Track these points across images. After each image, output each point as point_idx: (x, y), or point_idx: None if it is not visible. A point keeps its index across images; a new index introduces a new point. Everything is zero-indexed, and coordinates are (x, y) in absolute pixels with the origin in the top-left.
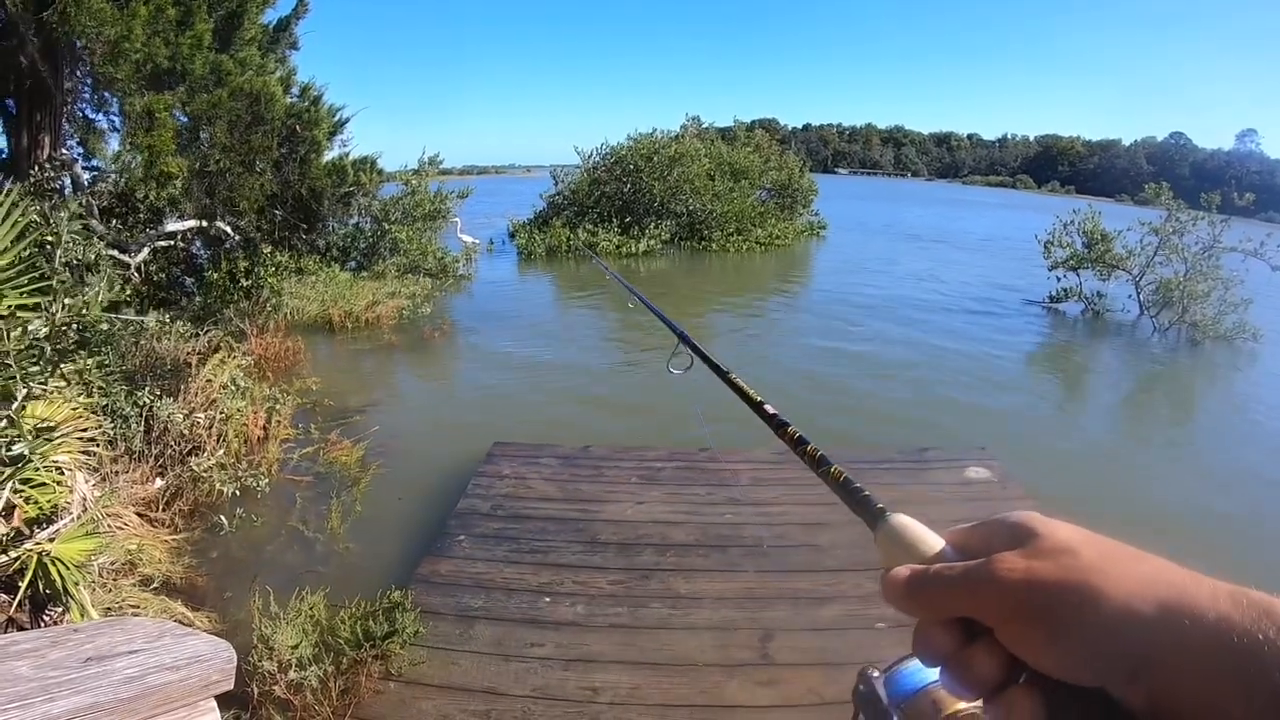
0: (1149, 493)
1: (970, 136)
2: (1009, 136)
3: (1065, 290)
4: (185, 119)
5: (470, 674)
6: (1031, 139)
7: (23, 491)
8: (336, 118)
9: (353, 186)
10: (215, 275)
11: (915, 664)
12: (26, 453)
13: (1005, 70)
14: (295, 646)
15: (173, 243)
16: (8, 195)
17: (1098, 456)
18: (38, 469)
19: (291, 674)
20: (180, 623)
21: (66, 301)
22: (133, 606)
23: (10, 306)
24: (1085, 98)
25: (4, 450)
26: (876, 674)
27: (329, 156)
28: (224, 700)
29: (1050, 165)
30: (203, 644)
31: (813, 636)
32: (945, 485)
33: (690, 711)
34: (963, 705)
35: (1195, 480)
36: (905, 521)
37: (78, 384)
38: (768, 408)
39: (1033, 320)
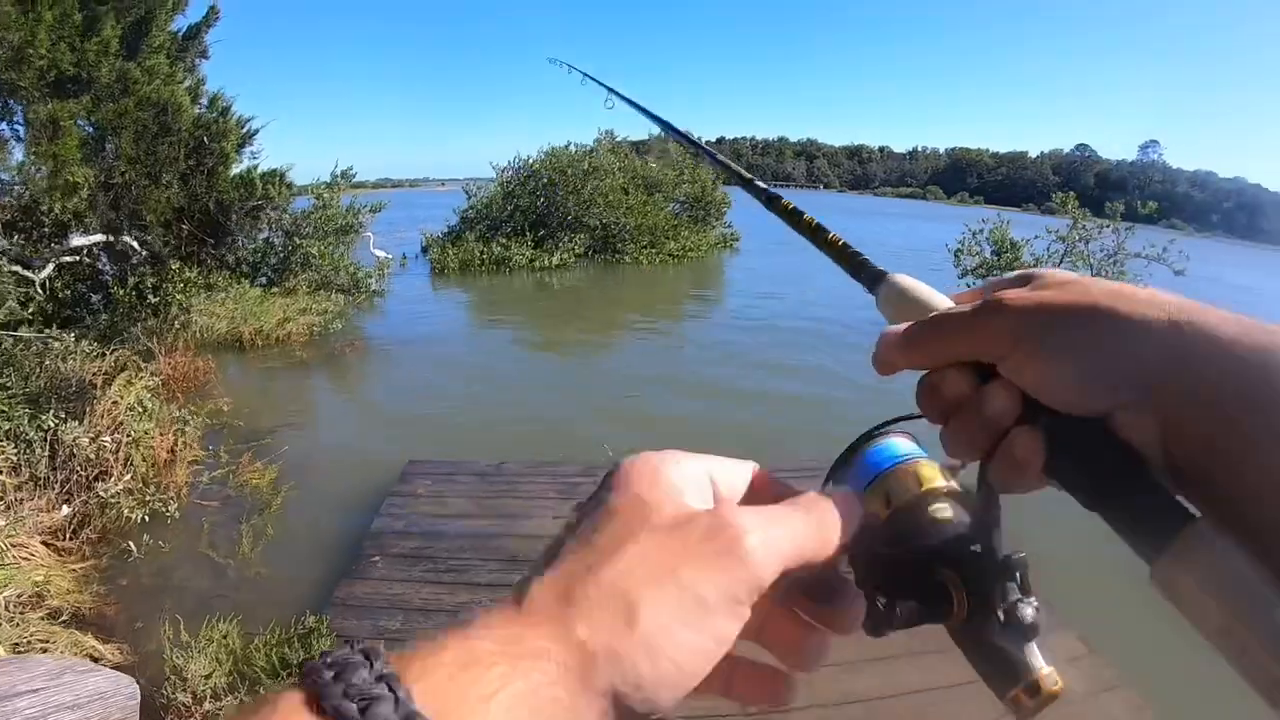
0: (1051, 496)
1: (881, 149)
2: (919, 149)
3: None
4: (91, 128)
5: None
6: (941, 151)
7: None
8: (245, 129)
9: (261, 200)
10: (121, 292)
11: (893, 440)
12: None
13: (916, 84)
14: (208, 676)
15: (79, 258)
16: None
17: None
18: None
19: (207, 705)
20: (90, 656)
21: None
22: (41, 641)
23: None
24: (994, 111)
25: None
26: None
27: (238, 169)
28: None
29: (959, 177)
30: (105, 681)
31: None
32: None
33: None
34: (941, 482)
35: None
36: (909, 280)
37: None
38: (758, 183)
39: None
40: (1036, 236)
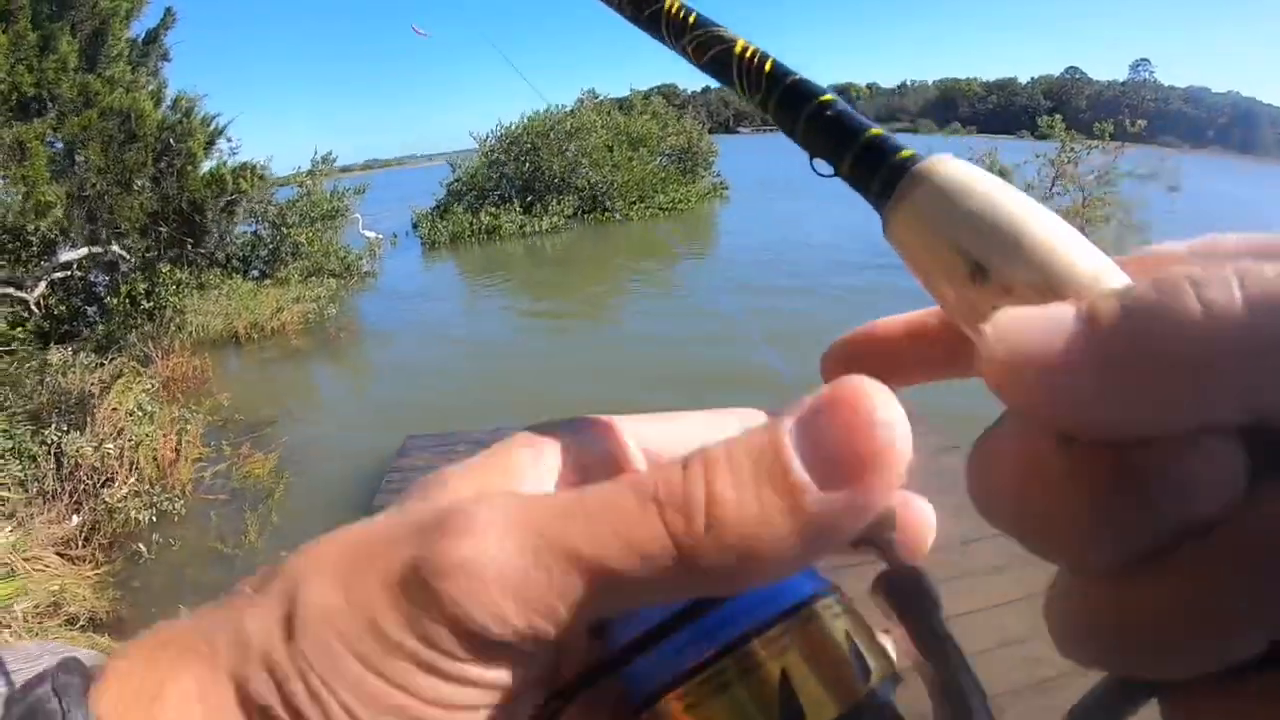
0: None
1: (870, 86)
2: (908, 83)
3: None
4: (58, 145)
5: None
6: (930, 84)
7: None
8: (212, 126)
9: (235, 194)
10: (115, 301)
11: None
12: None
13: (902, 18)
14: None
15: (69, 273)
16: None
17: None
18: None
19: None
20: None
21: None
22: None
23: None
24: (982, 39)
25: None
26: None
27: (208, 166)
28: None
29: (951, 108)
30: (83, 657)
31: None
32: None
33: None
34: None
35: None
36: (983, 177)
37: None
38: None
39: None
40: (1025, 161)
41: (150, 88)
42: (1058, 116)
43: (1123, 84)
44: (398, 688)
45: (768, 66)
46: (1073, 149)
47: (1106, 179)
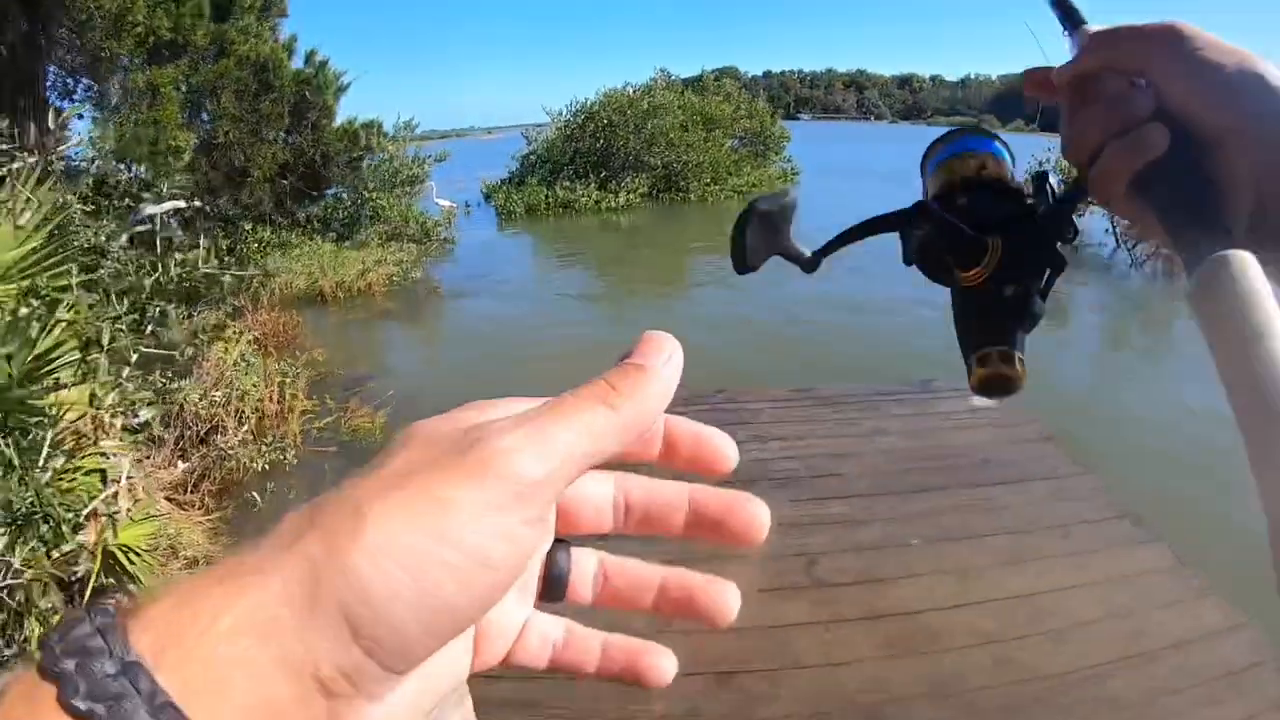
0: (1131, 416)
1: (933, 78)
2: (971, 76)
3: None
4: (187, 92)
5: None
6: (994, 78)
7: (72, 480)
8: (339, 82)
9: (364, 149)
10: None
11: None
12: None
13: (966, 14)
14: None
15: (150, 227)
16: (28, 181)
17: (1084, 383)
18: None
19: None
20: None
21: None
22: None
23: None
24: (1045, 32)
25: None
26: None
27: (338, 121)
28: None
29: (1014, 103)
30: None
31: (856, 557)
32: (955, 415)
33: (757, 632)
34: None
35: (1169, 409)
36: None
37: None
38: None
39: None
40: None
41: (281, 40)
42: None
43: None
44: (451, 545)
45: None
46: None
47: None
